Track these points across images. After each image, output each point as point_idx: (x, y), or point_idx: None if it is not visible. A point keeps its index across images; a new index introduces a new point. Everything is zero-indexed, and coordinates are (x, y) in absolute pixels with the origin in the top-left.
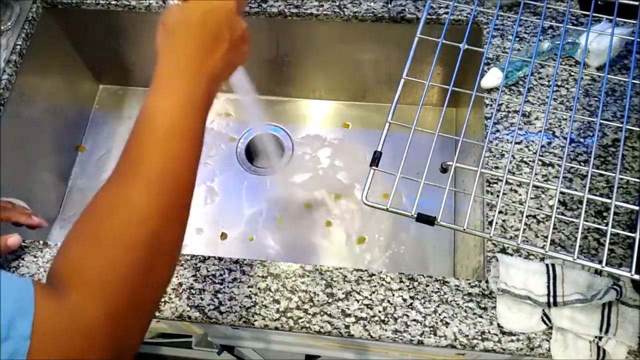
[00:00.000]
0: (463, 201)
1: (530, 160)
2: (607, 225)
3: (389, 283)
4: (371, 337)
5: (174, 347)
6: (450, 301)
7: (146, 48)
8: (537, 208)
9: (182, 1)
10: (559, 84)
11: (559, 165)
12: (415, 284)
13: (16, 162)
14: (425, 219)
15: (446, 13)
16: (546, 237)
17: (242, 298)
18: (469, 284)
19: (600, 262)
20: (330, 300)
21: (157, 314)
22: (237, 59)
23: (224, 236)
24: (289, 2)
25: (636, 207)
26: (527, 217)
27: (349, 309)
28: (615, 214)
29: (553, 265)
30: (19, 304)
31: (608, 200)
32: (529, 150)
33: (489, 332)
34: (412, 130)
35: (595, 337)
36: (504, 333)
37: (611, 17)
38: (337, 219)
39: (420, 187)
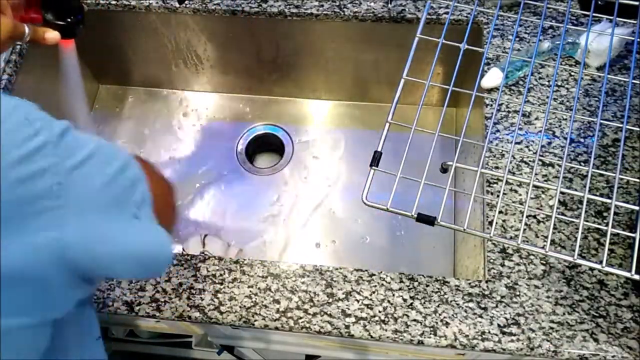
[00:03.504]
0: (463, 201)
1: (530, 160)
2: (607, 225)
3: (389, 283)
4: (371, 337)
5: (174, 347)
6: (451, 301)
7: (146, 48)
8: (537, 208)
9: None
10: (559, 84)
11: (559, 165)
12: (415, 284)
13: None
14: (425, 219)
15: (446, 13)
16: (546, 237)
17: (242, 298)
18: (469, 284)
19: (600, 262)
20: (330, 300)
21: (157, 314)
22: None
23: (225, 237)
24: (289, 2)
25: (636, 207)
26: (527, 217)
27: (349, 309)
28: (615, 214)
29: None
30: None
31: (608, 200)
32: (529, 150)
33: (489, 332)
34: (412, 130)
35: None
36: (504, 333)
37: (611, 17)
38: (337, 219)
39: (420, 187)
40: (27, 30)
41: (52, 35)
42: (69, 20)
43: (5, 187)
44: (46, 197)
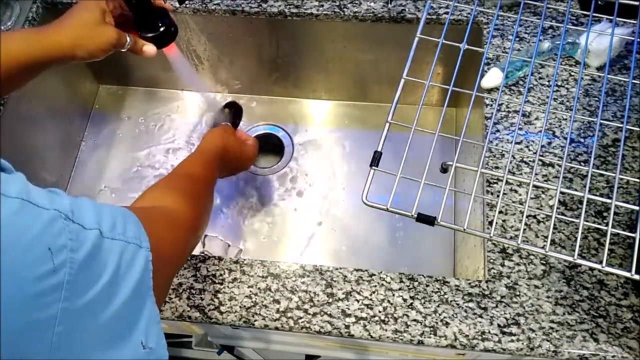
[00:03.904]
0: (463, 201)
1: (530, 160)
2: (607, 225)
3: (389, 283)
4: (371, 337)
5: (174, 347)
6: (451, 301)
7: None
8: (537, 208)
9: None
10: (559, 84)
11: (559, 165)
12: (415, 284)
13: (16, 162)
14: (425, 219)
15: (446, 13)
16: (546, 237)
17: (242, 298)
18: (469, 284)
19: (600, 262)
20: (330, 300)
21: None
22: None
23: (225, 238)
24: (289, 2)
25: (636, 207)
26: (527, 217)
27: (349, 309)
28: (615, 214)
29: None
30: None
31: (608, 200)
32: (529, 150)
33: (489, 332)
34: (412, 130)
35: None
36: (504, 333)
37: (611, 17)
38: (337, 219)
39: (420, 187)
40: (128, 39)
41: (149, 48)
42: (161, 30)
43: (5, 331)
44: (43, 353)
